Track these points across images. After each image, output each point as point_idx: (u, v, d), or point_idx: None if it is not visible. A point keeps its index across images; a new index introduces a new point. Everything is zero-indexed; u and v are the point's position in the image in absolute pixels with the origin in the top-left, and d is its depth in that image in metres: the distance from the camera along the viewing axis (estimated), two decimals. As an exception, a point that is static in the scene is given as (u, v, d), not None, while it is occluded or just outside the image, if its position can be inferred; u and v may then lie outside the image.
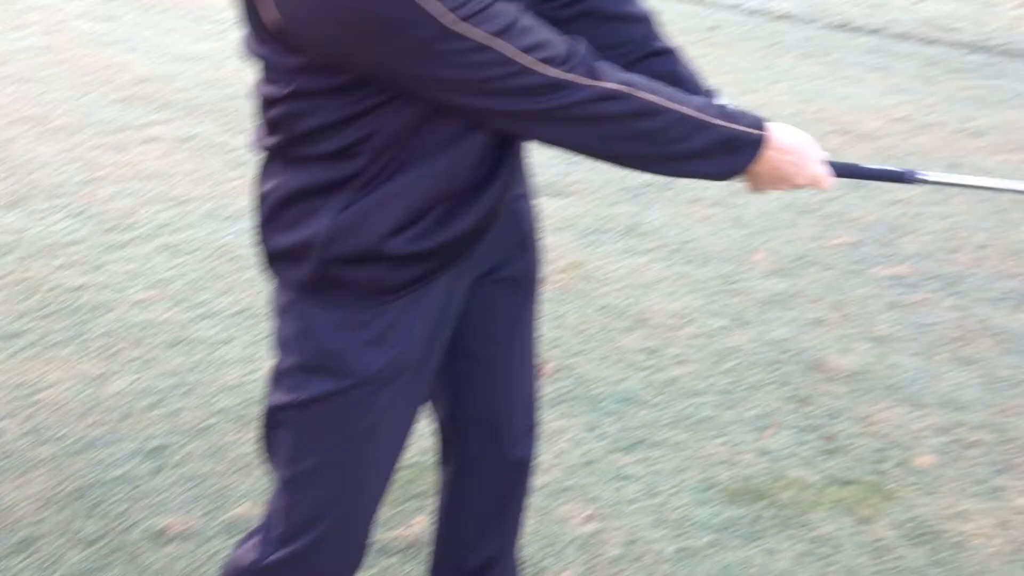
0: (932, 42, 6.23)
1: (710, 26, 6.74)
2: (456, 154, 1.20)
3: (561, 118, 1.13)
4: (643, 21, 1.38)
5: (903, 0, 7.09)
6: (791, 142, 1.26)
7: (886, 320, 3.07)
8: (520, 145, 1.34)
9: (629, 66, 1.26)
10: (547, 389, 2.64)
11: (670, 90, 1.19)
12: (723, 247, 3.57)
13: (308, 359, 1.27)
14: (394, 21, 1.03)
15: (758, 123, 1.23)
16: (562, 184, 4.03)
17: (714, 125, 1.18)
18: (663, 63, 1.38)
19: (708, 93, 1.39)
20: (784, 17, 6.87)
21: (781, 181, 1.28)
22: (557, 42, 1.11)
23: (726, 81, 5.50)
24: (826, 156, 1.33)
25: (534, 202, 1.51)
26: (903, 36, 6.36)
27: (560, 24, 1.19)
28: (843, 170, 1.41)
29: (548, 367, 2.76)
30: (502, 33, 1.06)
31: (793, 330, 3.01)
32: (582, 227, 3.69)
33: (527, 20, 1.10)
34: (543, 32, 1.11)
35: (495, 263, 1.42)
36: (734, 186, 4.02)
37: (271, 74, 1.18)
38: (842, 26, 6.61)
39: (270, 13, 1.08)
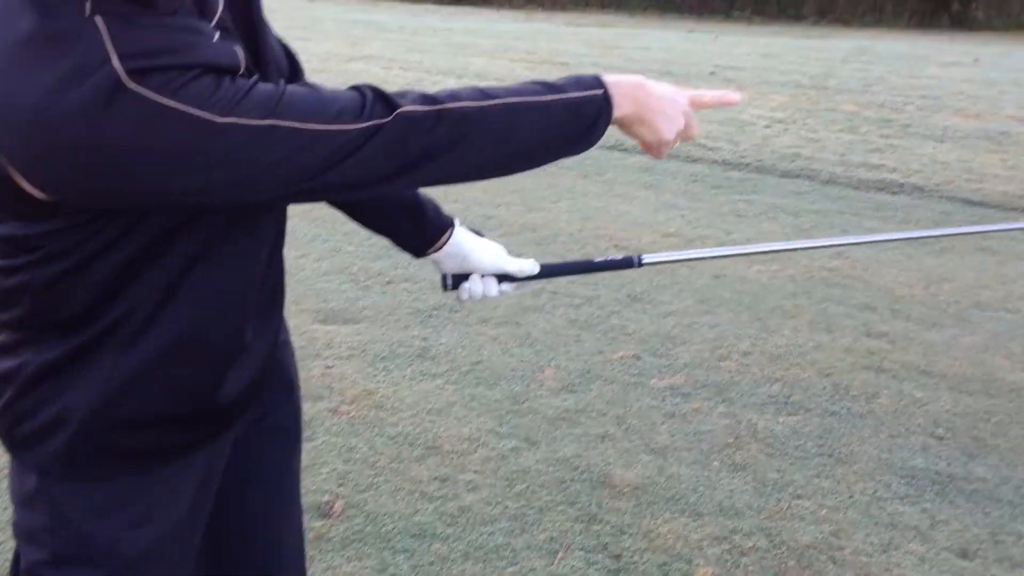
0: (695, 160, 6.78)
1: (495, 147, 7.03)
2: (222, 310, 1.17)
3: (391, 159, 1.07)
4: None
5: (668, 122, 7.72)
6: (634, 79, 1.24)
7: (665, 431, 3.22)
8: (283, 294, 1.33)
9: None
10: (337, 530, 2.57)
11: (488, 88, 1.15)
12: (512, 366, 3.65)
13: (61, 549, 1.17)
14: (173, 147, 0.96)
15: (594, 80, 1.20)
16: (353, 310, 4.02)
17: (552, 102, 1.15)
18: (404, 191, 1.40)
19: (444, 220, 1.45)
20: (563, 138, 7.27)
21: (656, 114, 1.24)
22: (343, 95, 1.06)
23: (512, 200, 5.78)
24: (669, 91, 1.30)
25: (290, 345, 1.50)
26: (669, 156, 6.86)
27: None
28: (569, 268, 1.50)
29: (337, 506, 2.69)
30: (277, 110, 1.00)
31: (581, 447, 3.10)
32: (373, 353, 3.67)
33: (297, 89, 1.05)
34: (321, 92, 1.06)
35: (261, 411, 1.38)
36: (523, 304, 4.17)
37: (6, 246, 1.09)
38: (616, 147, 7.08)
39: (32, 189, 1.00)
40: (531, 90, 1.15)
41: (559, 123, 1.16)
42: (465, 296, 1.48)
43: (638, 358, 3.75)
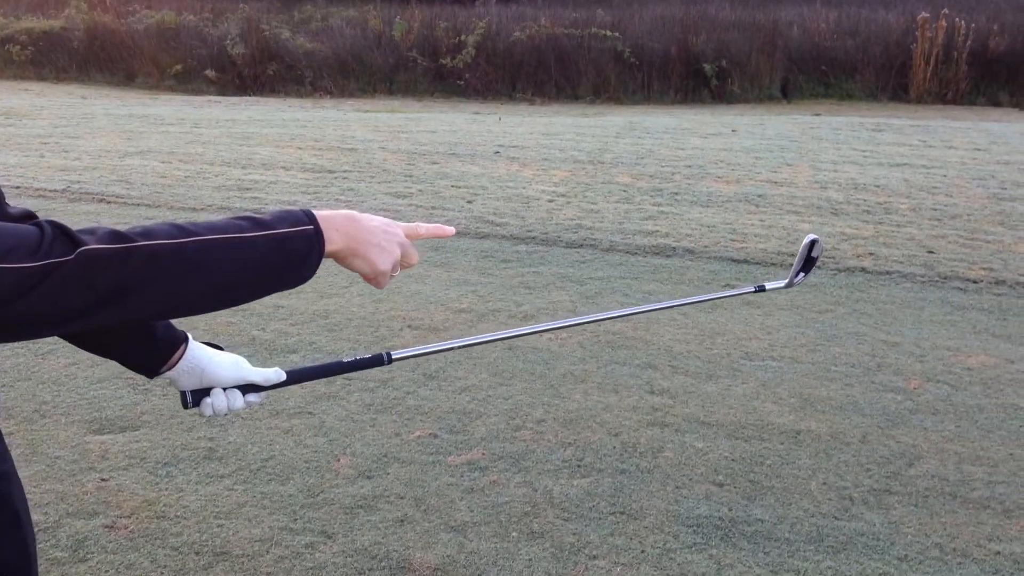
0: (484, 236, 6.95)
1: (283, 235, 6.92)
2: None
3: (78, 297, 1.04)
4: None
5: (457, 202, 7.89)
6: (346, 213, 1.26)
7: (464, 507, 3.22)
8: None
9: None
10: (113, 656, 2.37)
11: (188, 224, 1.14)
12: (306, 458, 3.55)
13: None
14: None
15: (304, 216, 1.21)
16: (130, 416, 3.79)
17: (257, 239, 1.15)
18: None
19: (177, 336, 1.43)
20: (353, 222, 7.28)
21: (371, 247, 1.27)
22: (19, 231, 1.03)
23: (302, 289, 5.66)
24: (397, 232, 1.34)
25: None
26: (460, 233, 7.03)
27: None
28: (318, 371, 1.51)
29: (116, 629, 2.49)
30: None
31: (379, 534, 3.04)
32: (154, 460, 3.47)
33: None
34: None
35: None
36: (316, 392, 4.08)
37: None
38: (406, 228, 7.16)
39: None
40: (235, 226, 1.16)
41: (265, 259, 1.17)
42: (208, 412, 1.45)
43: (435, 436, 3.74)
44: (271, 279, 1.19)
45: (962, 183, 8.37)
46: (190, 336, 1.47)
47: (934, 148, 10.00)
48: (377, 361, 1.53)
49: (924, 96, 15.54)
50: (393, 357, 1.53)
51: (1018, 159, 9.40)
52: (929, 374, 4.43)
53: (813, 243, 2.00)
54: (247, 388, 1.48)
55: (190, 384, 1.45)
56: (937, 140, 10.48)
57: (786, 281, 2.05)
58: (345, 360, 1.53)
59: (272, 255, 1.17)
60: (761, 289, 2.02)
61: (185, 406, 1.46)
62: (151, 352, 1.43)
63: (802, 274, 2.04)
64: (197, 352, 1.45)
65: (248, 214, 1.20)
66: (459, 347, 1.67)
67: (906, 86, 15.80)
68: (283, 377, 1.50)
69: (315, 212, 1.23)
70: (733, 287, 5.79)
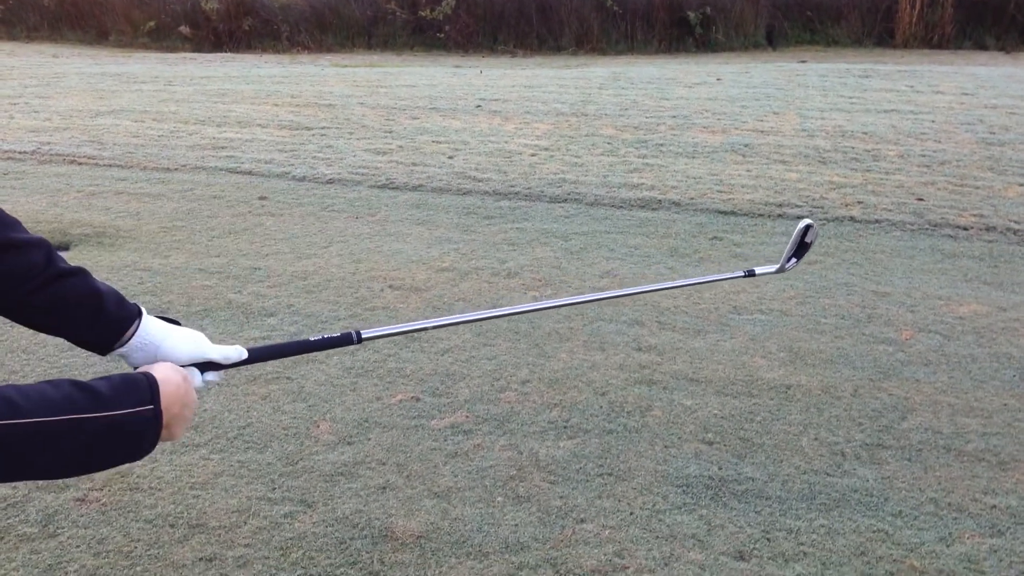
0: (466, 193, 6.80)
1: (260, 195, 6.76)
2: None
3: None
4: (38, 246, 1.29)
5: (438, 158, 7.72)
6: (179, 390, 1.24)
7: (447, 472, 3.13)
8: None
9: (40, 290, 1.24)
10: (83, 638, 2.28)
11: (21, 402, 1.05)
12: (285, 424, 3.45)
13: None
14: None
15: (145, 393, 1.17)
16: (102, 384, 3.67)
17: (89, 422, 1.09)
18: (76, 283, 1.33)
19: (129, 311, 1.36)
20: (332, 181, 7.11)
21: (182, 422, 1.25)
22: None
23: (281, 249, 5.54)
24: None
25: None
26: (441, 190, 6.87)
27: None
28: (283, 350, 1.46)
29: (86, 608, 2.40)
30: None
31: (360, 502, 2.95)
32: (127, 430, 3.36)
33: None
34: None
35: None
36: (298, 357, 3.96)
37: None
38: (387, 185, 6.99)
39: None
40: (70, 401, 1.08)
41: (99, 443, 1.12)
42: None
43: (417, 399, 3.64)
44: (103, 460, 1.15)
45: (950, 128, 8.26)
46: (144, 310, 1.37)
47: (921, 93, 9.86)
48: (346, 340, 1.48)
49: (910, 40, 15.35)
50: (363, 336, 1.49)
51: (1006, 103, 9.27)
52: (920, 324, 4.36)
53: (807, 228, 2.01)
54: (206, 366, 1.41)
55: (144, 361, 1.38)
56: (924, 85, 10.33)
57: (777, 266, 2.07)
58: (312, 339, 1.48)
59: (108, 438, 1.12)
60: (751, 274, 2.01)
61: None
62: (103, 328, 1.35)
63: (794, 259, 2.06)
64: (152, 328, 1.38)
65: (88, 383, 1.12)
66: (432, 327, 1.61)
67: (892, 31, 15.59)
68: (245, 355, 1.44)
69: (159, 381, 1.19)
70: (720, 240, 5.69)
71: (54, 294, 1.29)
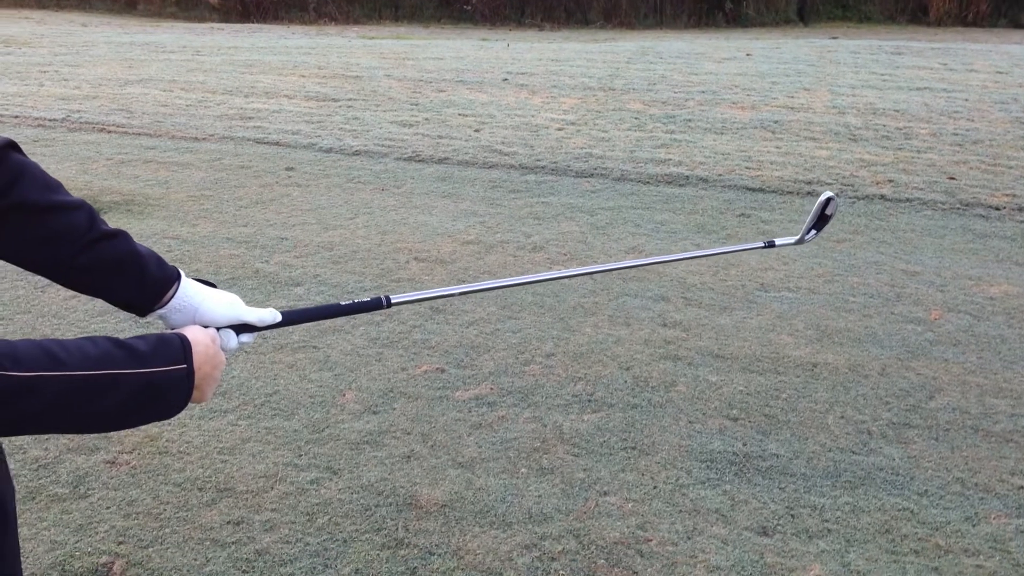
0: (492, 166, 6.79)
1: (287, 166, 6.79)
2: None
3: None
4: (81, 208, 1.30)
5: (464, 131, 7.70)
6: (208, 351, 1.24)
7: (472, 442, 3.14)
8: None
9: (83, 252, 1.25)
10: (114, 596, 2.32)
11: (60, 353, 1.06)
12: (311, 392, 3.47)
13: None
14: None
15: (178, 352, 1.18)
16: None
17: (126, 377, 1.10)
18: (118, 244, 1.33)
19: (169, 273, 1.37)
20: (358, 153, 7.12)
21: (211, 382, 1.26)
22: None
23: (307, 220, 5.57)
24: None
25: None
26: (467, 163, 6.87)
27: None
28: (315, 313, 1.49)
29: (117, 566, 2.45)
30: None
31: (385, 470, 2.97)
32: (156, 395, 3.40)
33: None
34: None
35: None
36: (321, 326, 4.00)
37: None
38: (413, 157, 6.99)
39: None
40: (109, 357, 1.09)
41: (134, 398, 1.13)
42: None
43: (442, 371, 3.66)
44: (137, 416, 1.15)
45: (984, 107, 8.13)
46: (183, 273, 1.39)
47: (955, 71, 9.71)
48: (376, 304, 1.50)
49: (944, 18, 15.10)
50: (392, 301, 1.51)
51: (1042, 83, 9.11)
52: (950, 304, 4.31)
53: (828, 201, 2.01)
54: (241, 328, 1.42)
55: (182, 323, 1.39)
56: (958, 63, 10.17)
57: (797, 237, 2.06)
58: (343, 303, 1.50)
59: (142, 394, 1.13)
60: (771, 245, 2.01)
61: None
62: (143, 290, 1.36)
63: (814, 231, 2.05)
64: (190, 290, 1.39)
65: (125, 340, 1.13)
66: (459, 293, 1.62)
67: (925, 8, 15.34)
68: (279, 318, 1.46)
69: (191, 341, 1.20)
70: (748, 217, 5.65)
71: (97, 256, 1.30)
